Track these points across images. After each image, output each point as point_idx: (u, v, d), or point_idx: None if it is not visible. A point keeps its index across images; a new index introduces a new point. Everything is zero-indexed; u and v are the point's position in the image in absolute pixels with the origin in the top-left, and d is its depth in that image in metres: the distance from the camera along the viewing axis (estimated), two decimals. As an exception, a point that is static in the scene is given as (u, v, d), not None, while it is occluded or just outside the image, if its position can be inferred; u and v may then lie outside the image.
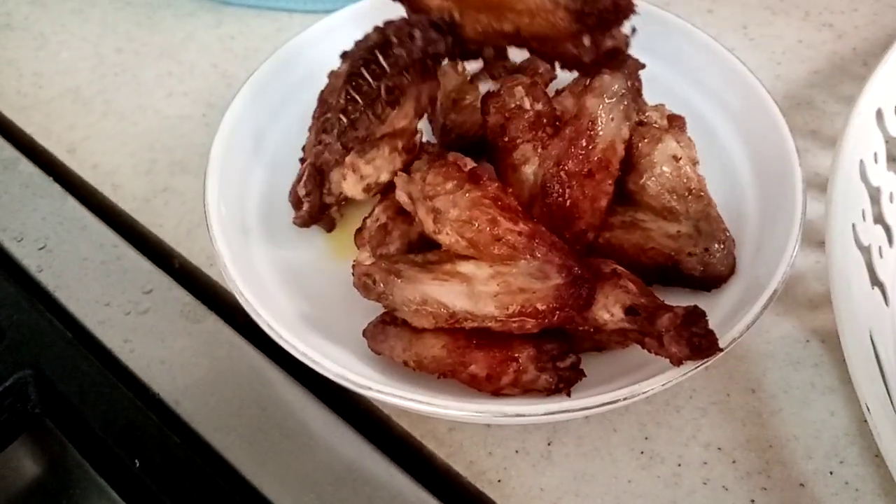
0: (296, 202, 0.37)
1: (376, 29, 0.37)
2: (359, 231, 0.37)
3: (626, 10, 0.34)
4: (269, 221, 0.39)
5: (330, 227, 0.39)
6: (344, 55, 0.38)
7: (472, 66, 0.41)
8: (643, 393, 0.29)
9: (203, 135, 0.46)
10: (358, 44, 0.37)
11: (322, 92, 0.37)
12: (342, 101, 0.35)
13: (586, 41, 0.35)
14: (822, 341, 0.36)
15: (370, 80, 0.35)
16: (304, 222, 0.37)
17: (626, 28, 0.35)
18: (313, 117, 0.39)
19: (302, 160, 0.40)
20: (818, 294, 0.38)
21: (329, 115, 0.36)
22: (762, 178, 0.37)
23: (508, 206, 0.32)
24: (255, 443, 0.33)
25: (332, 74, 0.37)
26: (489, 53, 0.39)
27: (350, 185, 0.36)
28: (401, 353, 0.32)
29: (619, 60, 0.35)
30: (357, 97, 0.35)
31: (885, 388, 0.31)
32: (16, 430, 0.35)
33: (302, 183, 0.36)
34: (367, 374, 0.32)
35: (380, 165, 0.35)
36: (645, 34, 0.42)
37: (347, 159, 0.35)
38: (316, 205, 0.36)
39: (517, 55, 0.39)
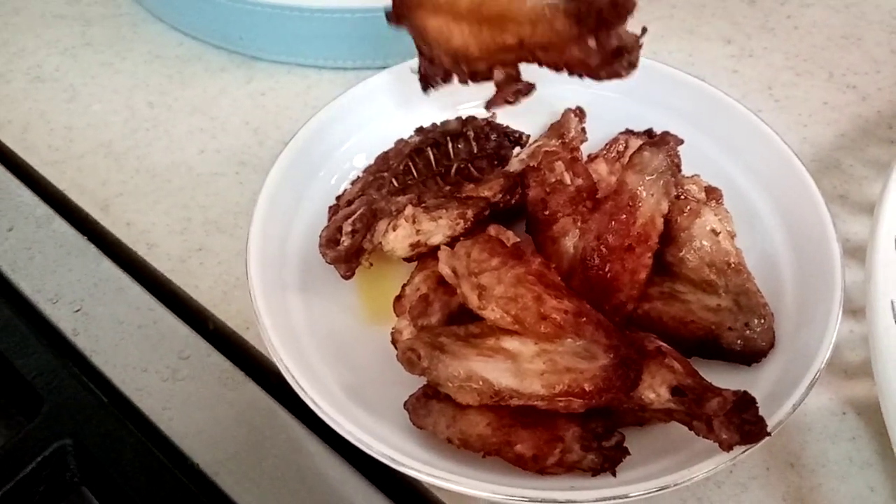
0: (332, 238, 0.37)
1: (459, 119, 0.40)
2: (398, 299, 0.37)
3: (626, 7, 0.32)
4: (305, 284, 0.39)
5: (350, 274, 0.39)
6: (419, 130, 0.40)
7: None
8: (692, 478, 0.29)
9: (237, 193, 0.46)
10: (435, 125, 0.39)
11: (386, 152, 0.39)
12: (401, 168, 0.38)
13: (591, 43, 0.33)
14: (859, 413, 0.36)
15: (432, 160, 0.37)
16: (338, 258, 0.37)
17: (635, 28, 0.33)
18: (365, 171, 0.40)
19: (332, 207, 0.40)
20: (852, 364, 0.38)
21: (385, 174, 0.37)
22: (797, 250, 0.38)
23: (552, 283, 0.33)
24: (295, 515, 0.33)
25: (400, 141, 0.39)
26: (500, 77, 0.39)
27: (397, 239, 0.36)
28: (444, 429, 0.32)
29: (629, 60, 0.34)
30: (414, 171, 0.36)
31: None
32: (54, 501, 0.35)
33: (351, 220, 0.37)
34: (410, 451, 0.32)
35: (442, 225, 0.36)
36: (674, 100, 0.44)
37: (408, 210, 0.36)
38: (356, 245, 0.37)
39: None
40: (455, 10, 0.35)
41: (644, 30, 0.34)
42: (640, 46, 0.33)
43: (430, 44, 0.37)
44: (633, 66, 0.34)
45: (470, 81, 0.38)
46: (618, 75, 0.34)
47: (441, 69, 0.37)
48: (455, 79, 0.38)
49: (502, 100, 0.39)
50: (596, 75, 0.34)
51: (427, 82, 0.38)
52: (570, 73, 0.35)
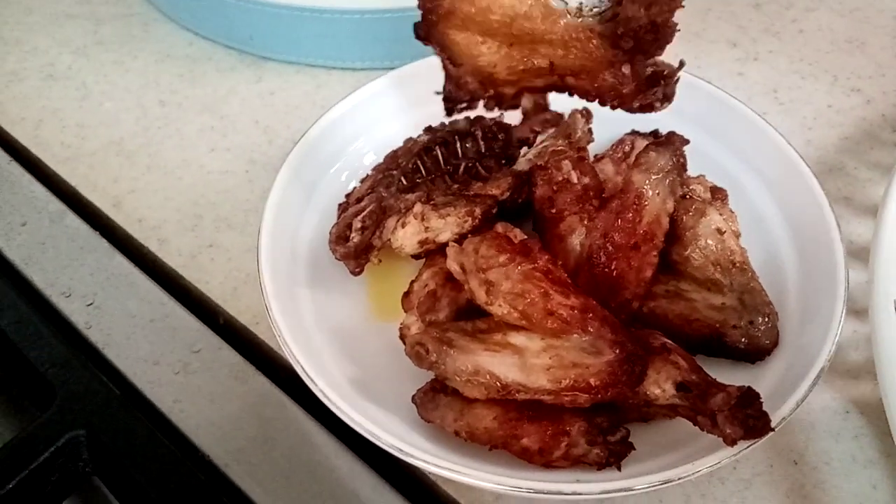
0: (342, 235, 0.38)
1: (467, 119, 0.40)
2: (406, 295, 0.37)
3: (666, 32, 0.31)
4: (315, 280, 0.40)
5: (359, 270, 0.40)
6: (428, 129, 0.40)
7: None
8: (697, 472, 0.29)
9: (247, 191, 0.46)
10: (444, 124, 0.40)
11: (395, 151, 0.40)
12: (409, 166, 0.38)
13: (626, 69, 0.33)
14: (862, 412, 0.37)
15: (440, 159, 0.37)
16: (348, 255, 0.38)
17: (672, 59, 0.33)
18: (374, 169, 0.41)
19: (342, 205, 0.41)
20: (856, 364, 0.38)
21: (394, 172, 0.38)
22: (801, 250, 0.38)
23: (559, 280, 0.33)
24: (304, 507, 0.34)
25: (409, 140, 0.39)
26: (527, 105, 0.39)
27: (406, 236, 0.37)
28: (452, 422, 0.33)
29: (664, 91, 0.33)
30: (422, 169, 0.37)
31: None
32: (67, 490, 0.35)
33: (361, 217, 0.38)
34: (418, 443, 0.32)
35: (450, 222, 0.36)
36: (680, 101, 0.44)
37: (417, 208, 0.36)
38: (365, 241, 0.37)
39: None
40: (485, 25, 0.34)
41: (682, 63, 0.33)
42: (676, 78, 0.32)
43: (457, 62, 0.36)
44: (668, 98, 0.33)
45: (496, 108, 0.37)
46: (651, 107, 0.34)
47: (467, 92, 0.36)
48: (480, 103, 0.37)
49: (529, 129, 0.39)
50: (628, 105, 0.34)
51: (451, 105, 0.38)
52: (602, 102, 0.35)
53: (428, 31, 0.36)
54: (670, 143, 0.36)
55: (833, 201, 0.39)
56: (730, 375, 0.33)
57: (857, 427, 0.36)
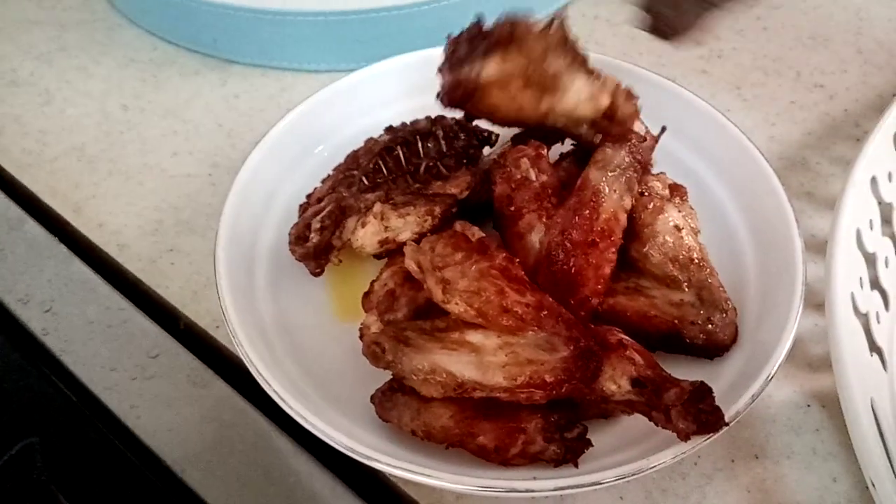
0: (301, 236, 0.38)
1: (428, 118, 0.40)
2: (366, 295, 0.37)
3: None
4: (276, 282, 0.39)
5: (319, 271, 0.39)
6: (389, 129, 0.40)
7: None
8: (652, 467, 0.29)
9: (209, 194, 0.46)
10: (405, 124, 0.40)
11: (356, 151, 0.40)
12: (370, 167, 0.38)
13: None
14: (823, 406, 0.37)
15: (402, 159, 0.37)
16: (307, 255, 0.37)
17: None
18: (335, 169, 0.41)
19: (302, 205, 0.41)
20: (817, 357, 0.38)
21: (355, 172, 0.38)
22: (761, 245, 0.38)
23: (516, 277, 0.33)
24: (263, 512, 0.33)
25: (370, 140, 0.39)
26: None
27: (366, 236, 0.37)
28: (409, 421, 0.32)
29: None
30: (384, 169, 0.37)
31: (887, 460, 0.31)
32: (22, 499, 0.35)
33: (320, 217, 0.37)
34: (375, 444, 0.32)
35: (410, 222, 0.36)
36: (643, 100, 0.44)
37: (377, 207, 0.36)
38: (325, 241, 0.37)
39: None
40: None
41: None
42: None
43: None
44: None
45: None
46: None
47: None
48: None
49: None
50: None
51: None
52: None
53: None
54: (626, 139, 0.36)
55: (795, 196, 0.39)
56: (690, 372, 0.33)
57: (818, 420, 0.36)
